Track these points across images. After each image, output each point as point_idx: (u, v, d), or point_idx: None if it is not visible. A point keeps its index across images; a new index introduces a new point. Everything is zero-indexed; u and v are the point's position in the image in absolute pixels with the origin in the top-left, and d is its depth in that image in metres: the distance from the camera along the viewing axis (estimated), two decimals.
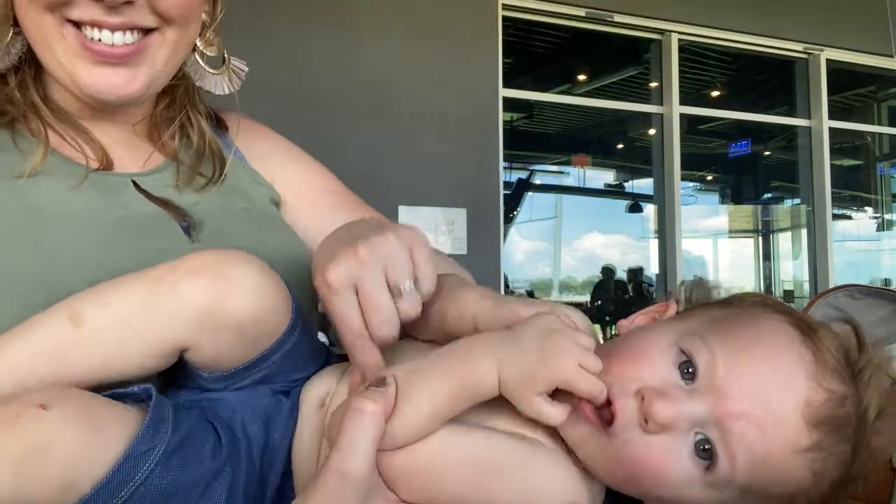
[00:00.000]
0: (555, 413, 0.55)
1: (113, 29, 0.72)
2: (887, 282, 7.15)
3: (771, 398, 0.55)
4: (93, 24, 0.72)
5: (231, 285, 0.60)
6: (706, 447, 0.56)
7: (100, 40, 0.72)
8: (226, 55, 0.86)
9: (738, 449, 0.55)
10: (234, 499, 0.61)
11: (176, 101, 0.87)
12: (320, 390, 0.69)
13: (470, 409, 0.58)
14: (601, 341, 0.63)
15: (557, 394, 0.56)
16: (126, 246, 0.73)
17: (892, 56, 4.14)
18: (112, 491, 0.53)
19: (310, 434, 0.66)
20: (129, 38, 0.73)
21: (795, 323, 0.59)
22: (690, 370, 0.58)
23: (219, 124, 0.94)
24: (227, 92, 0.88)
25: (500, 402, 0.59)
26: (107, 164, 0.79)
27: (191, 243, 0.77)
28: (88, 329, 0.59)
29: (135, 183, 0.80)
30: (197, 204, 0.82)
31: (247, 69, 0.88)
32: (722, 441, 0.56)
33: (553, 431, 0.60)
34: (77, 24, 0.72)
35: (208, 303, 0.59)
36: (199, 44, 0.83)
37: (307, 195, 0.95)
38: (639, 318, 0.68)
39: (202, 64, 0.85)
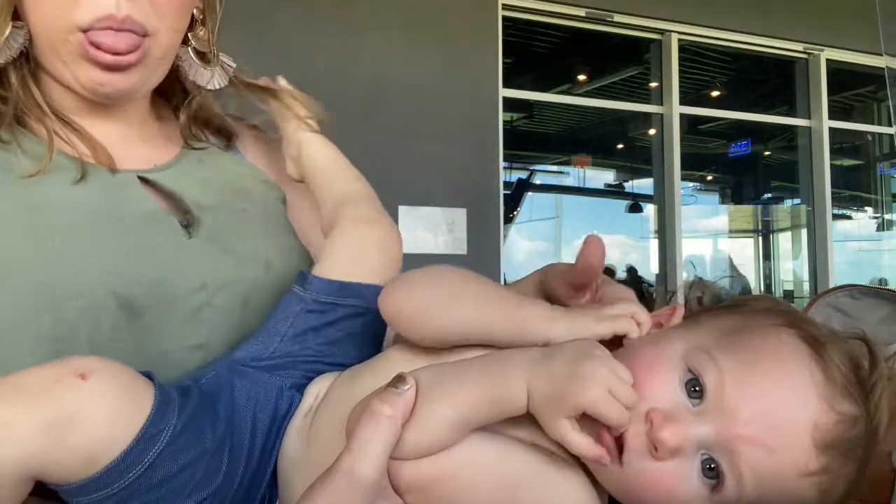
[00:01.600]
0: (579, 442, 0.53)
1: (117, 28, 0.73)
2: (881, 281, 7.14)
3: (780, 422, 0.54)
4: (100, 27, 0.73)
5: None
6: (712, 466, 0.55)
7: (100, 47, 0.73)
8: (215, 51, 0.88)
9: (745, 471, 0.54)
10: (228, 484, 0.61)
11: (174, 93, 0.88)
12: (311, 394, 0.68)
13: None
14: None
15: (584, 419, 0.54)
16: (123, 243, 0.74)
17: (884, 55, 4.14)
18: (122, 471, 0.54)
19: (293, 439, 0.65)
20: (129, 43, 0.74)
21: (804, 337, 0.58)
22: (697, 388, 0.56)
23: (221, 132, 0.95)
24: (217, 86, 0.88)
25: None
26: (110, 163, 0.79)
27: (187, 238, 0.78)
28: None
29: (141, 178, 0.80)
30: (198, 204, 0.82)
31: (235, 65, 0.90)
32: (729, 463, 0.55)
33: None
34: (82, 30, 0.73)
35: None
36: (190, 38, 0.85)
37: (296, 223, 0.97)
38: None
39: (194, 59, 0.86)
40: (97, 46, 0.73)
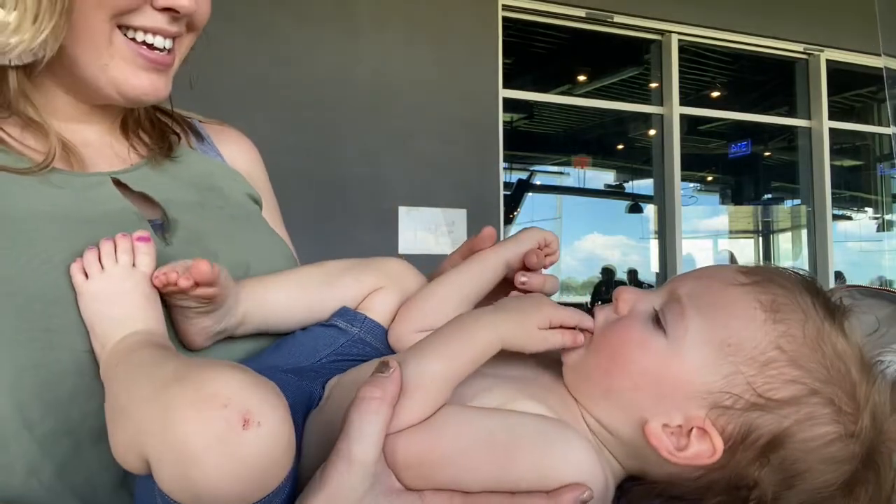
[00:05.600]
0: (559, 336, 0.63)
1: (166, 35, 0.75)
2: (881, 281, 7.14)
3: (707, 268, 0.67)
4: (150, 31, 0.74)
5: None
6: (658, 319, 0.62)
7: (153, 45, 0.75)
8: None
9: (685, 298, 0.61)
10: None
11: None
12: (327, 389, 0.69)
13: (488, 395, 0.60)
14: None
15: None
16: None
17: (880, 55, 4.14)
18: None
19: (308, 433, 0.65)
20: (169, 44, 0.77)
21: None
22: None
23: (192, 130, 0.94)
24: None
25: (518, 388, 0.61)
26: (81, 166, 0.78)
27: (164, 246, 0.76)
28: None
29: (115, 180, 0.79)
30: (171, 201, 0.81)
31: None
32: (671, 302, 0.62)
33: (567, 418, 0.61)
34: (123, 28, 0.73)
35: None
36: None
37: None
38: None
39: None
40: (144, 44, 0.74)
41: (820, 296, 0.61)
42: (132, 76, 0.75)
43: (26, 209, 0.70)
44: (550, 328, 0.64)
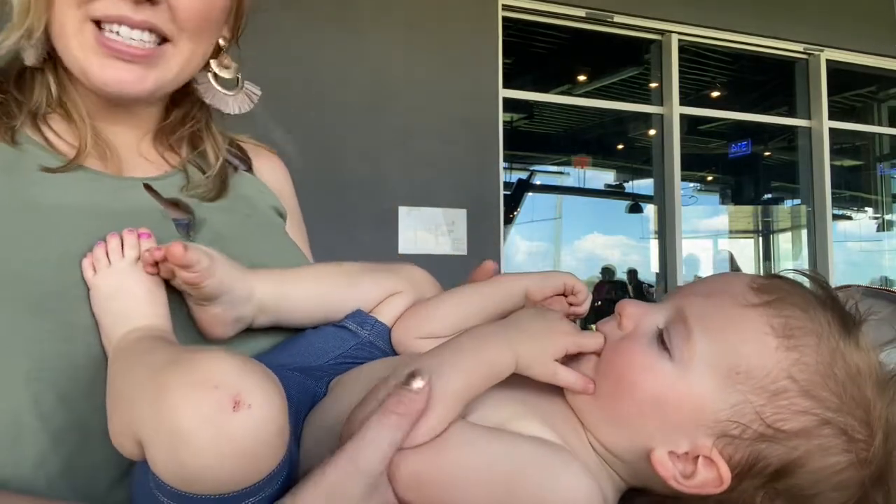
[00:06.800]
0: (571, 376, 0.61)
1: (133, 26, 0.73)
2: (880, 280, 7.13)
3: (715, 280, 0.65)
4: (116, 21, 0.73)
5: None
6: (663, 339, 0.60)
7: (118, 33, 0.73)
8: (240, 78, 0.89)
9: (691, 318, 0.59)
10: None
11: (191, 113, 0.88)
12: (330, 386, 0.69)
13: (496, 410, 0.59)
14: None
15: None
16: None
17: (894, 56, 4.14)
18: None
19: (310, 429, 0.66)
20: (147, 37, 0.75)
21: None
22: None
23: (241, 153, 0.96)
24: (237, 112, 0.89)
25: (526, 406, 0.60)
26: (118, 170, 0.80)
27: (186, 240, 0.76)
28: None
29: (147, 186, 0.80)
30: (200, 205, 0.83)
31: (260, 93, 0.91)
32: (677, 322, 0.60)
33: (571, 439, 0.60)
34: (98, 24, 0.73)
35: None
36: (213, 65, 0.86)
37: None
38: None
39: (214, 84, 0.87)
40: (110, 33, 0.73)
41: (836, 310, 0.59)
42: (98, 67, 0.74)
43: (53, 201, 0.72)
44: (567, 355, 0.63)
